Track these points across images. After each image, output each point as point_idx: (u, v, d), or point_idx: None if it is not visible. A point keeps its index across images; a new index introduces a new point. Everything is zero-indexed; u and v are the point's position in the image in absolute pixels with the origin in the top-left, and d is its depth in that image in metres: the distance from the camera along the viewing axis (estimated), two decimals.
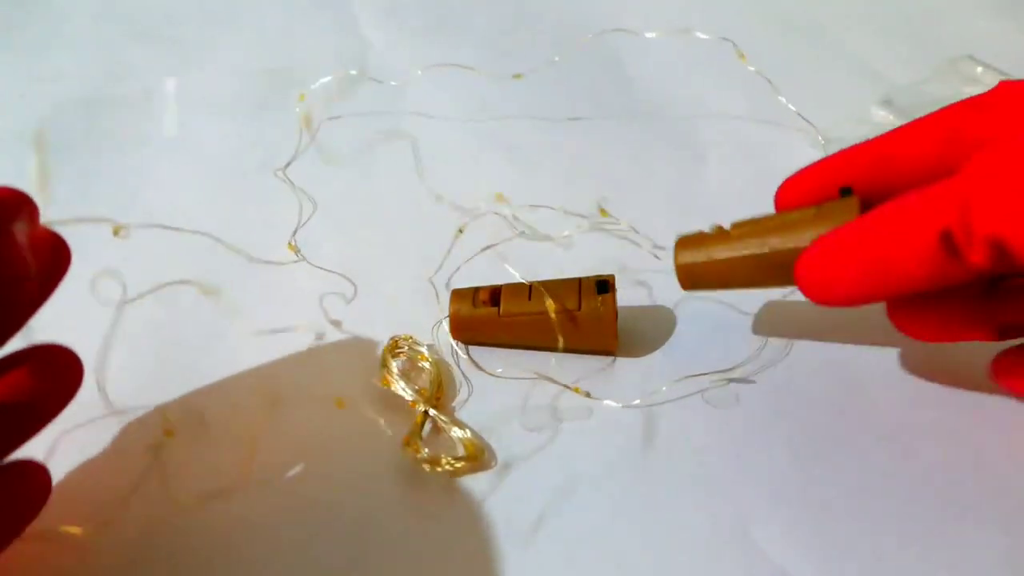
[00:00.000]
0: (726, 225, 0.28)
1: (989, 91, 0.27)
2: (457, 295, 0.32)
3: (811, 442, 0.28)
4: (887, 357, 0.30)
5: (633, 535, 0.25)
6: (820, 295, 0.26)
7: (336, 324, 0.33)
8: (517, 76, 0.43)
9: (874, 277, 0.25)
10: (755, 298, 0.33)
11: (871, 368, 0.30)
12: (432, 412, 0.29)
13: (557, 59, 0.44)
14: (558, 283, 0.31)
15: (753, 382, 0.30)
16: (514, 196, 0.36)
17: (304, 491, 0.27)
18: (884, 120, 0.41)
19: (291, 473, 0.28)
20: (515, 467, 0.28)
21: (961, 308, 0.27)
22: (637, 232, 0.36)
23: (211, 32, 0.51)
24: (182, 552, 0.26)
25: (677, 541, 0.25)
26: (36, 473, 0.24)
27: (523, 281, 0.31)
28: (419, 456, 0.27)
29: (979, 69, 0.44)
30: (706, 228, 0.29)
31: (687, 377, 0.30)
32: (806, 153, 0.40)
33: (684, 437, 0.28)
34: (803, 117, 0.40)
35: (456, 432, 0.28)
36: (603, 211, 0.35)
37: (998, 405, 0.29)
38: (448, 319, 0.32)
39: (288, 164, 0.40)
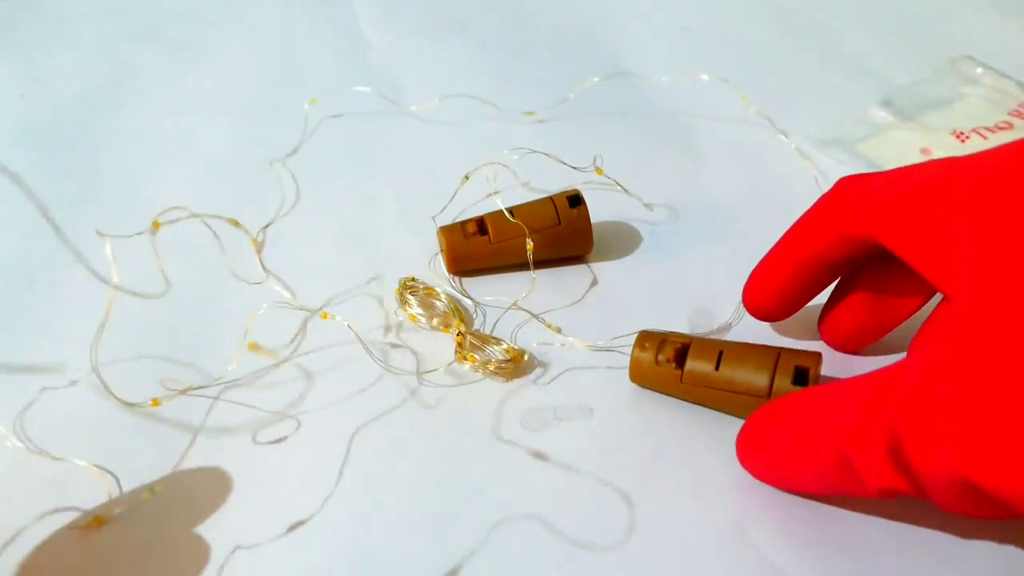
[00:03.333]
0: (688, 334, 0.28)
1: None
2: (446, 231, 0.33)
3: None
4: (886, 356, 0.30)
5: (631, 534, 0.25)
6: (752, 470, 0.26)
7: None
8: (529, 114, 0.43)
9: (792, 468, 0.24)
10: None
11: (870, 367, 0.30)
12: (467, 333, 0.31)
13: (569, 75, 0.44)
14: (533, 204, 0.33)
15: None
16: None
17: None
18: (884, 120, 0.41)
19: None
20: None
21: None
22: (628, 192, 0.37)
23: (210, 32, 0.51)
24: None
25: (675, 541, 0.25)
26: None
27: (502, 208, 0.32)
28: (475, 364, 0.30)
29: (979, 69, 0.44)
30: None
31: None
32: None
33: (683, 436, 0.28)
34: (803, 154, 0.40)
35: (492, 346, 0.30)
36: (599, 170, 0.35)
37: None
38: (443, 255, 0.33)
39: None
